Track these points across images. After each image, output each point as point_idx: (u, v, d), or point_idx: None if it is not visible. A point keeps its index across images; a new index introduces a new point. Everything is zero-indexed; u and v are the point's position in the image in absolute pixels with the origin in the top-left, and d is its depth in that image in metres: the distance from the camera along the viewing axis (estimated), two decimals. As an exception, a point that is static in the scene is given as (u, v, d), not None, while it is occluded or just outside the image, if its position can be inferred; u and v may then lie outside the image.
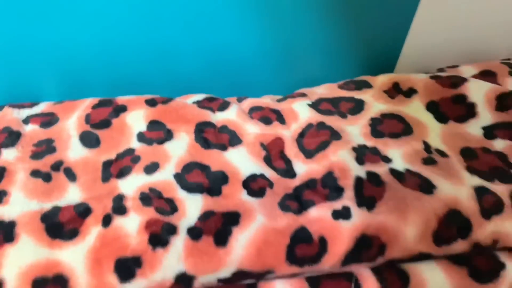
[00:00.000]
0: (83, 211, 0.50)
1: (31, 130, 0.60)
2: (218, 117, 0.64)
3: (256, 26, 0.70)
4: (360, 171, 0.54)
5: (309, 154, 0.59)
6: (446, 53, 0.78)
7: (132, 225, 0.49)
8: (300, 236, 0.49)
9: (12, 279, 0.44)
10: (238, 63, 0.74)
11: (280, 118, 0.64)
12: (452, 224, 0.51)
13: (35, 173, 0.54)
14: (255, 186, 0.55)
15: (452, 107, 0.65)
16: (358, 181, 0.53)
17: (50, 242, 0.47)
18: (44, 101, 0.66)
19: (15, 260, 0.45)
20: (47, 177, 0.54)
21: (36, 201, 0.51)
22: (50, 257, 0.46)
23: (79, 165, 0.56)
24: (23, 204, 0.50)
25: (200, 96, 0.68)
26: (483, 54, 0.78)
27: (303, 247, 0.49)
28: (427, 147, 0.60)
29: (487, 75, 0.69)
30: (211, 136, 0.60)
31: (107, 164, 0.57)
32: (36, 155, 0.56)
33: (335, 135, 0.60)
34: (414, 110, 0.65)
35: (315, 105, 0.66)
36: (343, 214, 0.50)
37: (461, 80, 0.66)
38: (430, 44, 0.77)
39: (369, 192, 0.52)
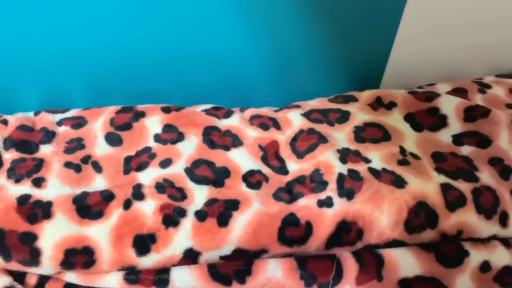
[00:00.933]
0: (107, 196, 0.56)
1: (64, 131, 0.66)
2: (223, 123, 0.69)
3: (258, 50, 0.76)
4: (342, 168, 0.61)
5: (300, 155, 0.65)
6: (424, 72, 0.83)
7: (148, 208, 0.55)
8: (289, 220, 0.55)
9: (49, 248, 0.51)
10: (242, 79, 0.79)
11: (276, 124, 0.70)
12: (420, 214, 0.57)
13: (67, 165, 0.60)
14: (253, 180, 0.61)
15: (426, 118, 0.71)
16: (340, 176, 0.60)
17: (80, 221, 0.53)
18: (74, 108, 0.71)
19: (51, 233, 0.52)
20: (77, 168, 0.60)
21: (68, 187, 0.57)
22: (80, 233, 0.52)
23: (104, 160, 0.62)
24: (58, 188, 0.56)
25: (208, 106, 0.74)
26: (458, 74, 0.84)
27: (291, 229, 0.55)
28: (402, 151, 0.66)
29: (459, 91, 0.76)
30: (217, 139, 0.66)
31: (128, 159, 0.63)
32: (68, 150, 0.63)
33: (323, 139, 0.66)
34: (394, 120, 0.71)
35: (307, 115, 0.71)
36: (326, 202, 0.57)
37: (435, 95, 0.72)
38: (410, 65, 0.82)
39: (349, 185, 0.59)
